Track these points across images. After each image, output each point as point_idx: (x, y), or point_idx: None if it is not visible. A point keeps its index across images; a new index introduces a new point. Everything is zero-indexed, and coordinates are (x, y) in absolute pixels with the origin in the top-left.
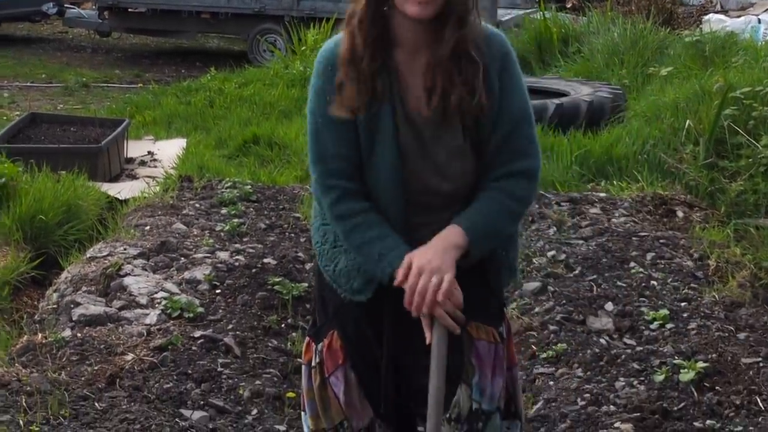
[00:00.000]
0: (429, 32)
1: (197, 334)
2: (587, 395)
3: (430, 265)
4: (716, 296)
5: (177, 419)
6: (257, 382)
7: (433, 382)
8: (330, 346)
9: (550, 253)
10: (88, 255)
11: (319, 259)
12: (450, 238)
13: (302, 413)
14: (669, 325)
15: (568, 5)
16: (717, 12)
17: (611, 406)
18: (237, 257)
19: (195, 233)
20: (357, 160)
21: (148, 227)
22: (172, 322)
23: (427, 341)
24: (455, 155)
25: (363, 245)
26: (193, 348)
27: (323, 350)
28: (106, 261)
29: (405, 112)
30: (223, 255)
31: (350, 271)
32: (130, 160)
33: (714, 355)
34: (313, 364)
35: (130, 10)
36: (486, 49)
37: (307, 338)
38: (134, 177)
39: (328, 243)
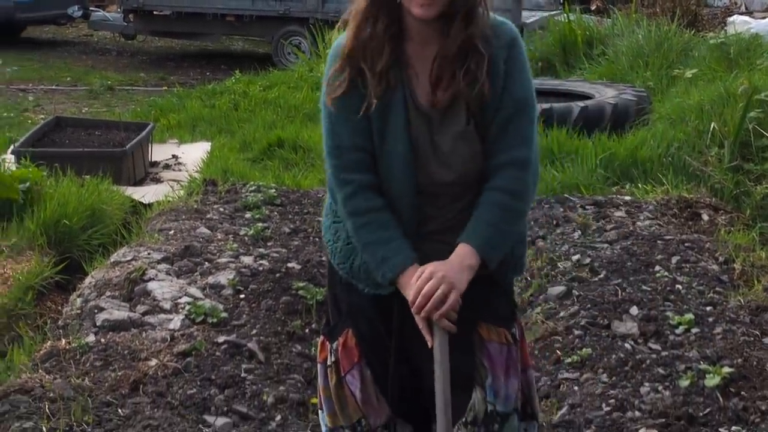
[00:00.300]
0: (437, 27)
1: (221, 339)
2: (612, 401)
3: (443, 274)
4: (742, 300)
5: (200, 425)
6: (281, 387)
7: (438, 385)
8: (345, 345)
9: (575, 257)
10: (112, 260)
11: (332, 257)
12: (465, 260)
13: (319, 411)
14: (694, 330)
15: (593, 7)
16: (741, 13)
17: (636, 412)
18: (261, 262)
19: (219, 237)
20: (371, 150)
21: (172, 231)
22: (195, 327)
23: (429, 345)
24: (460, 140)
25: (369, 244)
26: (217, 353)
27: (338, 349)
28: (130, 266)
29: (415, 103)
30: (247, 259)
31: (369, 266)
32: (155, 164)
33: (739, 360)
34: (328, 363)
35: (155, 12)
36: (494, 39)
37: (321, 337)
38: (158, 180)
39: (341, 240)
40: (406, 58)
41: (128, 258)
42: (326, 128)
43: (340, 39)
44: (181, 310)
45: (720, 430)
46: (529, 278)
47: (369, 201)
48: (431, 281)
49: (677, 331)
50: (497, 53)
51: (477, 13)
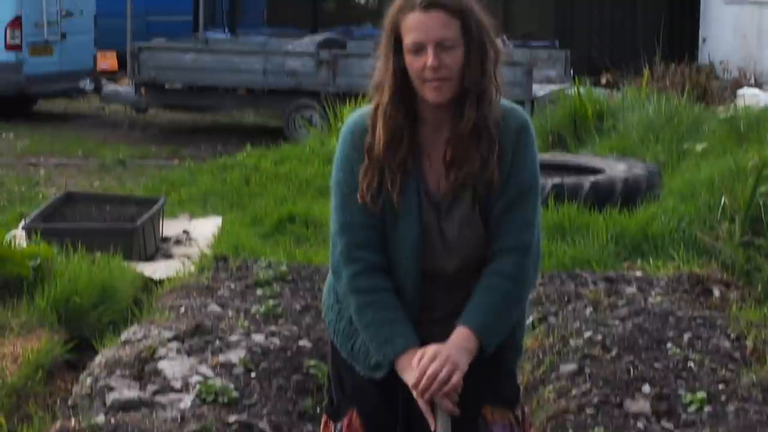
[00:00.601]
0: (449, 110)
1: (232, 419)
2: None
3: (447, 354)
4: (754, 378)
5: None
6: None
7: None
8: (350, 425)
9: (586, 334)
10: (122, 338)
11: (333, 338)
12: (464, 342)
13: None
14: (707, 408)
15: (603, 81)
16: (751, 86)
17: None
18: (272, 339)
19: (230, 315)
20: (382, 230)
21: (183, 309)
22: (206, 407)
23: (432, 428)
24: (465, 226)
25: (372, 324)
26: None
27: (343, 429)
28: (141, 344)
29: (426, 189)
30: (258, 337)
31: (368, 349)
32: (166, 239)
33: None
34: None
35: (166, 86)
36: (503, 124)
37: (324, 416)
38: (170, 256)
39: (344, 321)
40: (419, 144)
41: (139, 336)
42: (338, 205)
43: (354, 116)
44: (192, 390)
45: None
46: (540, 355)
47: (376, 281)
48: (435, 362)
49: (690, 410)
50: (506, 138)
51: (489, 95)
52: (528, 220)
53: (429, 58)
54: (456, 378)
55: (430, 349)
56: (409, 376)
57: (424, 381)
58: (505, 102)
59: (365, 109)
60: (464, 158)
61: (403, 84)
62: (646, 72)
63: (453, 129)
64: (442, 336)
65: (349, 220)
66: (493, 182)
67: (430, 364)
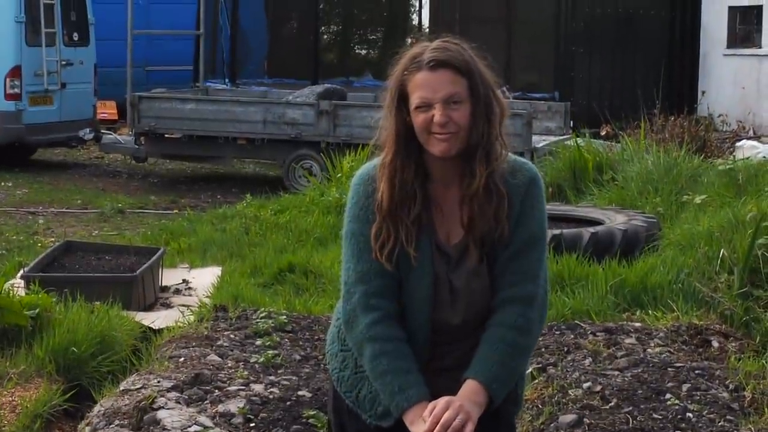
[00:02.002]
0: (458, 167)
1: None
2: None
3: (460, 404)
4: (752, 429)
5: None
6: None
7: None
8: None
9: (585, 385)
10: (121, 387)
11: (337, 386)
12: (473, 396)
13: None
14: None
15: (602, 132)
16: (750, 138)
17: None
18: (271, 389)
19: (229, 365)
20: (398, 278)
21: (182, 359)
22: None
23: None
24: (473, 277)
25: (386, 373)
26: None
27: None
28: (140, 394)
29: (437, 241)
30: (257, 387)
31: (375, 397)
32: (165, 289)
33: None
34: None
35: (166, 135)
36: (512, 178)
37: None
38: (169, 306)
39: (349, 369)
40: (430, 200)
41: (138, 386)
42: (354, 254)
43: (364, 167)
44: None
45: None
46: (540, 406)
47: (393, 330)
48: (449, 410)
49: None
50: (515, 191)
51: (495, 150)
52: (533, 272)
53: (437, 115)
54: (469, 428)
55: (443, 400)
56: (419, 428)
57: (437, 430)
58: (515, 156)
59: (375, 161)
60: (480, 217)
61: (407, 141)
62: (643, 124)
63: (465, 188)
64: (448, 386)
65: (366, 269)
66: (503, 236)
67: (443, 413)
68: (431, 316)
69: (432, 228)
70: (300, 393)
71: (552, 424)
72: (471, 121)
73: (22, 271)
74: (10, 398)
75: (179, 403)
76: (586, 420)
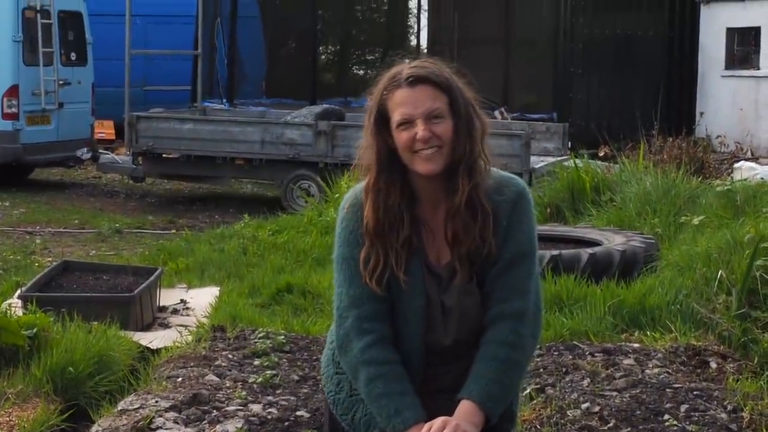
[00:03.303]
0: (443, 185)
1: None
2: None
3: (457, 423)
4: None
5: None
6: None
7: None
8: None
9: (584, 405)
10: (119, 408)
11: (333, 408)
12: (469, 417)
13: None
14: None
15: (601, 153)
16: (748, 159)
17: None
18: (270, 410)
19: (227, 385)
20: (390, 301)
21: (180, 379)
22: None
23: None
24: (464, 295)
25: (383, 396)
26: None
27: None
28: (138, 414)
29: (427, 262)
30: (255, 408)
31: (370, 420)
32: (163, 309)
33: None
34: None
35: (164, 155)
36: (498, 193)
37: None
38: (167, 326)
39: (344, 392)
40: (420, 222)
41: (135, 406)
42: (345, 279)
43: (352, 191)
44: None
45: None
46: (538, 426)
47: (387, 353)
48: (446, 430)
49: None
50: (501, 207)
51: (479, 165)
52: (523, 287)
53: (420, 130)
54: None
55: (439, 420)
56: None
57: None
58: (502, 172)
59: (362, 184)
60: (464, 234)
61: (390, 162)
62: (642, 146)
63: (449, 203)
64: (445, 406)
65: (358, 294)
66: (491, 254)
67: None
68: (424, 338)
69: (422, 250)
70: (298, 413)
71: None
72: (453, 136)
73: (19, 291)
74: (8, 418)
75: (177, 423)
76: None
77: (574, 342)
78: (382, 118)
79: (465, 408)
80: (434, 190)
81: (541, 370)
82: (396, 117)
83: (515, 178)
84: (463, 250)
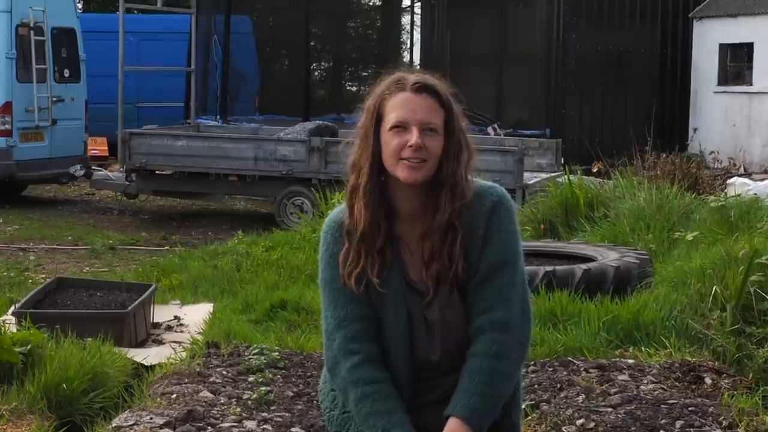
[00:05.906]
0: (424, 202)
1: None
2: None
3: None
4: None
5: None
6: None
7: None
8: None
9: (579, 422)
10: (113, 424)
11: (328, 425)
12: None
13: None
14: None
15: (594, 169)
16: (741, 175)
17: None
18: (264, 426)
19: (222, 401)
20: (377, 321)
21: (174, 395)
22: None
23: None
24: (447, 309)
25: (371, 415)
26: None
27: None
28: (132, 430)
29: (408, 278)
30: (250, 424)
31: None
32: (157, 325)
33: None
34: None
35: (157, 172)
36: (477, 203)
37: None
38: (161, 342)
39: (338, 409)
40: (398, 237)
41: (130, 423)
42: (331, 302)
43: (332, 214)
44: None
45: None
46: None
47: (374, 372)
48: None
49: None
50: (479, 216)
51: (461, 189)
52: (504, 296)
53: (413, 138)
54: None
55: None
56: None
57: None
58: (482, 182)
59: (342, 205)
60: (438, 254)
61: (381, 164)
62: (636, 162)
63: (427, 221)
64: (434, 421)
65: (343, 315)
66: (458, 274)
67: None
68: (410, 354)
69: (402, 266)
70: (293, 430)
71: None
72: (443, 153)
73: (13, 308)
74: None
75: None
76: None
77: (569, 358)
78: (378, 118)
79: (452, 425)
80: (413, 203)
81: (536, 386)
82: (391, 118)
83: (494, 186)
84: (433, 273)
